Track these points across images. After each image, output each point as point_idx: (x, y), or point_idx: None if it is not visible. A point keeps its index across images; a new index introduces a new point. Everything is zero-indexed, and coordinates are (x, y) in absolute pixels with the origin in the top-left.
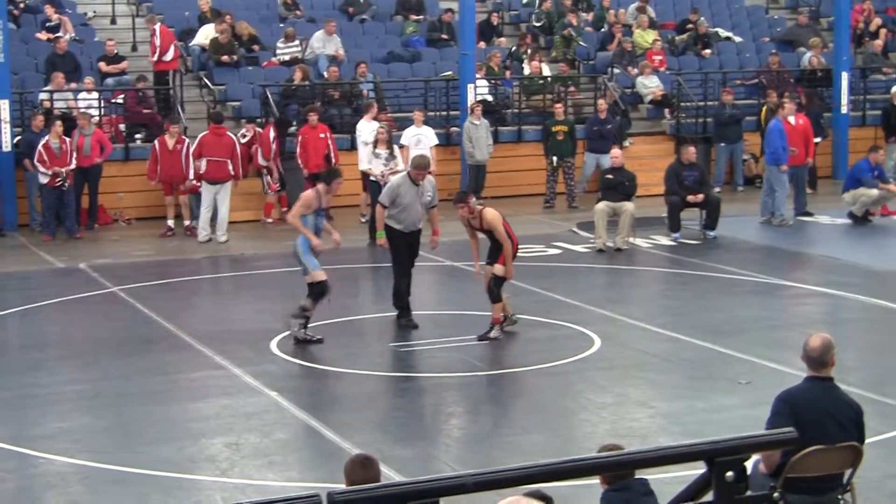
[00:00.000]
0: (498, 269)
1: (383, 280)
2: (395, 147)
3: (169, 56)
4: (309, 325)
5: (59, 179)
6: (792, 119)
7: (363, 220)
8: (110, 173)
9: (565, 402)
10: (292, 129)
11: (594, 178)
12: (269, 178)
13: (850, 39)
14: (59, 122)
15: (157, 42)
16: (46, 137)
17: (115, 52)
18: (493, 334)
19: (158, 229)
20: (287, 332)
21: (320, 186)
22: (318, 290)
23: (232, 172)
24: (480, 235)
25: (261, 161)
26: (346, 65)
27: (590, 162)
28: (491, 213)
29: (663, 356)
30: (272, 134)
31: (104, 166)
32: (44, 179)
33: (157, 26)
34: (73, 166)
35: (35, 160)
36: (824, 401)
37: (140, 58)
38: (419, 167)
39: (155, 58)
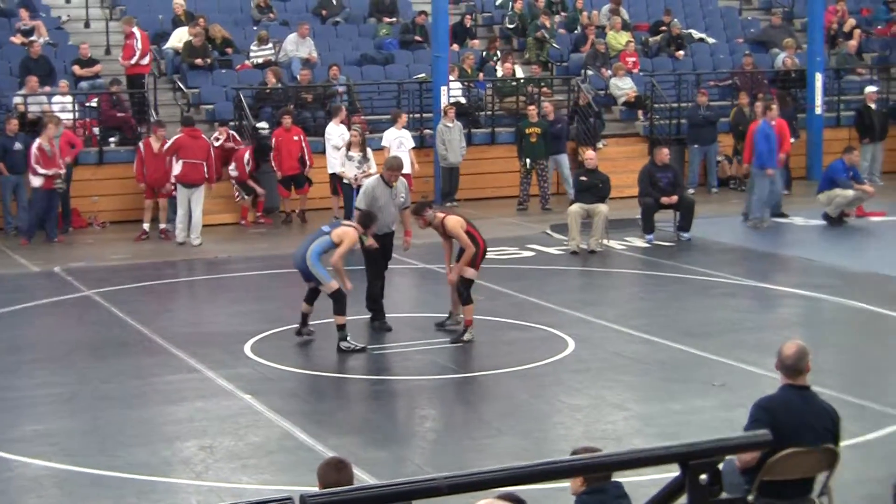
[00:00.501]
0: (469, 272)
1: (357, 283)
2: (369, 150)
3: (146, 59)
4: (306, 324)
5: (58, 181)
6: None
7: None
8: (84, 177)
9: (539, 405)
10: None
11: (553, 179)
12: (237, 187)
13: (824, 40)
14: (51, 125)
15: (138, 46)
16: (39, 140)
17: (89, 55)
18: (465, 337)
19: (133, 232)
20: (310, 332)
21: (360, 229)
22: (339, 297)
23: (206, 175)
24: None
25: (232, 173)
26: (320, 67)
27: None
28: (451, 222)
29: (637, 358)
30: (247, 156)
31: (78, 170)
32: (37, 182)
33: (136, 29)
34: (63, 170)
35: (32, 163)
36: (802, 409)
37: (114, 61)
38: (392, 168)
39: (133, 61)
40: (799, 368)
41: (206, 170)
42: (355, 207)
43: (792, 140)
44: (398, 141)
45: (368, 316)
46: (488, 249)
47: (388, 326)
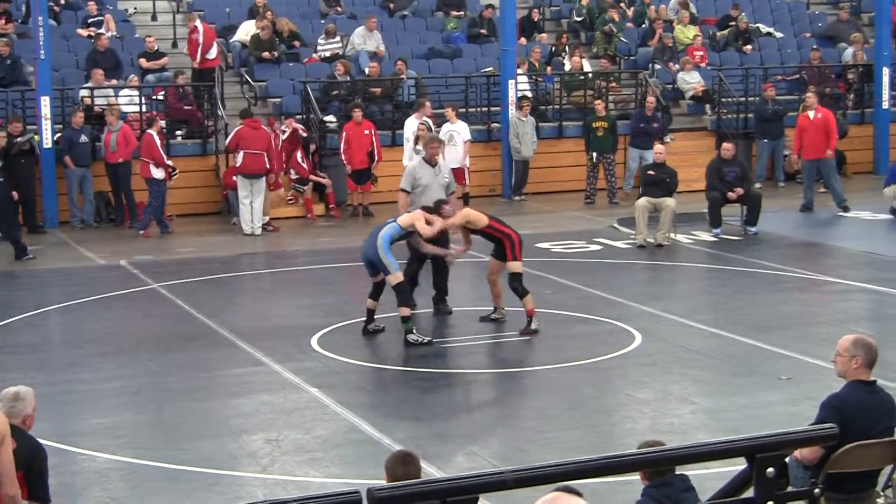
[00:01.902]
0: (514, 266)
1: (423, 277)
2: None
3: (212, 54)
4: (372, 320)
5: (174, 173)
6: (811, 113)
7: None
8: None
9: (606, 399)
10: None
11: (639, 173)
12: (294, 186)
13: (892, 35)
14: (159, 120)
15: (200, 40)
16: (154, 132)
17: (156, 48)
18: (532, 327)
19: (199, 225)
20: (377, 328)
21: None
22: (402, 289)
23: (267, 165)
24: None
25: (293, 175)
26: (387, 61)
27: (634, 157)
28: (459, 215)
29: (704, 352)
30: (299, 156)
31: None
32: (159, 174)
33: (199, 24)
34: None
35: (161, 154)
36: (870, 406)
37: (181, 54)
38: (429, 142)
39: (198, 58)
40: (876, 361)
41: (266, 160)
42: (401, 189)
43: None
44: (449, 134)
45: (432, 309)
46: (523, 242)
47: (412, 304)
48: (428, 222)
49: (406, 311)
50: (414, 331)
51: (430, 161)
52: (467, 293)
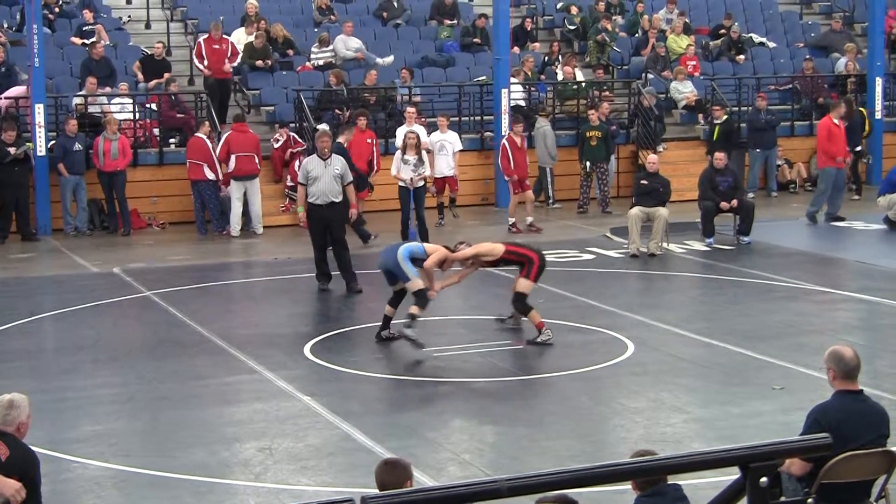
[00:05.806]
0: (522, 283)
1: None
2: (425, 153)
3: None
4: (388, 326)
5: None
6: (837, 121)
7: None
8: (144, 177)
9: (598, 408)
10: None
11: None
12: (288, 192)
13: (885, 45)
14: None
15: (230, 52)
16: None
17: (163, 55)
18: (542, 339)
19: (193, 233)
20: (391, 335)
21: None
22: (422, 294)
23: (259, 167)
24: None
25: (289, 183)
26: (371, 67)
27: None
28: (473, 247)
29: (697, 361)
30: (297, 164)
31: (138, 171)
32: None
33: (227, 38)
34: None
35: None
36: (858, 415)
37: (175, 62)
38: (320, 136)
39: (227, 66)
40: (856, 371)
41: (258, 162)
42: (298, 183)
43: (858, 148)
44: (440, 144)
45: (429, 315)
46: (545, 266)
47: (326, 286)
48: (445, 260)
49: (416, 311)
50: (413, 327)
51: (320, 154)
52: (461, 303)
